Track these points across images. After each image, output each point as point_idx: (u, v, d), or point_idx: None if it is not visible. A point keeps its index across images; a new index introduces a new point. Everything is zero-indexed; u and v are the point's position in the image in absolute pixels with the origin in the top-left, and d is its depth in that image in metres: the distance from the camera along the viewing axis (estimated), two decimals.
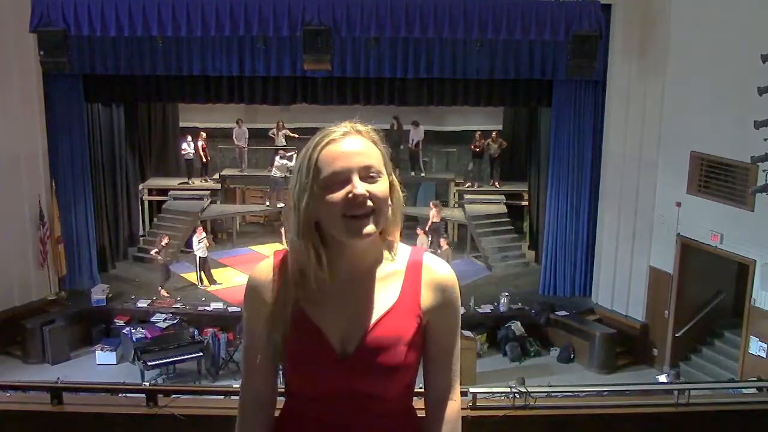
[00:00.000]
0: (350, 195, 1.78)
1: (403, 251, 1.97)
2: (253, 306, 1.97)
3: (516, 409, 4.66)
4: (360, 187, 1.79)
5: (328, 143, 1.83)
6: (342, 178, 1.80)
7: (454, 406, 1.99)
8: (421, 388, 2.04)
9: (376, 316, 1.89)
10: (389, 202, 1.86)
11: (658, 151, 13.81)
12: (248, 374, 2.03)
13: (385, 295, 1.91)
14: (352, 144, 1.83)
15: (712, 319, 13.92)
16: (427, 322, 1.93)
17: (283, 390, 2.03)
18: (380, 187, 1.83)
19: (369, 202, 1.79)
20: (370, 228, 1.81)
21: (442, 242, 15.99)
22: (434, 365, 1.98)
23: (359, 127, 1.88)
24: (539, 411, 4.72)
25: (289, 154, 18.32)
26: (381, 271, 1.93)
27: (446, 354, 1.97)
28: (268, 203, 19.15)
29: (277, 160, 18.38)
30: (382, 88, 15.70)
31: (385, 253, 1.94)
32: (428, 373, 1.99)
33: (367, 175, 1.81)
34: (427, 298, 1.93)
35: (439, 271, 1.96)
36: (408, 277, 1.93)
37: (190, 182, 19.05)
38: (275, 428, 2.04)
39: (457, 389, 2.00)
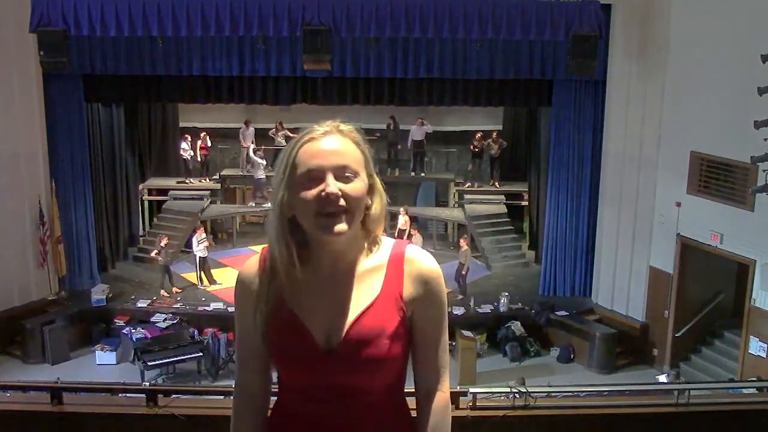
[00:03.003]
0: (323, 193, 1.80)
1: (386, 244, 1.98)
2: (242, 301, 2.00)
3: (516, 409, 4.67)
4: (333, 186, 1.81)
5: (307, 141, 1.86)
6: (316, 176, 1.82)
7: (443, 396, 2.01)
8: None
9: (359, 309, 1.90)
10: (366, 201, 1.88)
11: (658, 151, 13.81)
12: (241, 369, 2.07)
13: (368, 289, 1.92)
14: (330, 143, 1.85)
15: (712, 319, 13.92)
16: (411, 314, 1.94)
17: (276, 386, 2.06)
18: (355, 187, 1.84)
19: (342, 201, 1.81)
20: (341, 226, 1.82)
21: (462, 242, 15.98)
22: (421, 357, 1.99)
23: (342, 126, 1.90)
24: (539, 411, 4.72)
25: (260, 153, 18.40)
26: (364, 265, 1.94)
27: (432, 346, 1.99)
28: (253, 204, 19.05)
29: (258, 161, 18.33)
30: (382, 88, 15.71)
31: (368, 248, 1.95)
32: (416, 365, 2.01)
33: (343, 174, 1.83)
34: (409, 290, 1.94)
35: (422, 263, 1.97)
36: (390, 269, 1.95)
37: (188, 182, 19.05)
38: (268, 423, 2.06)
39: (445, 380, 2.02)
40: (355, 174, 1.85)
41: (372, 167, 1.92)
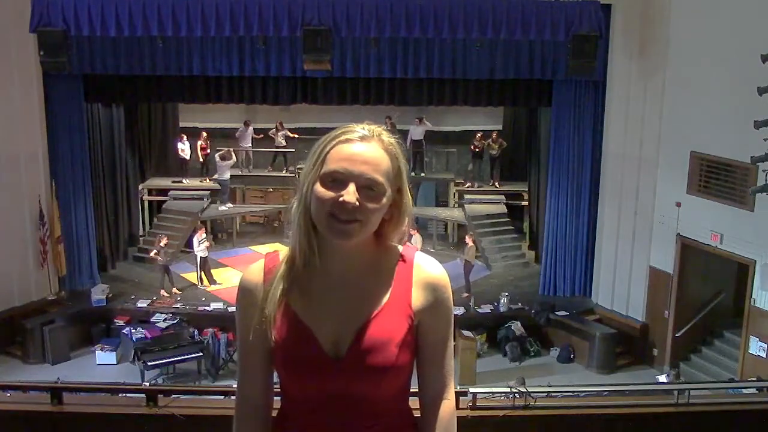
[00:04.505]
0: (340, 199, 1.76)
1: (395, 251, 1.95)
2: (244, 308, 1.96)
3: (516, 409, 4.67)
4: (352, 196, 1.76)
5: (343, 141, 1.81)
6: (340, 179, 1.78)
7: (449, 405, 1.99)
8: (416, 389, 2.03)
9: (367, 317, 1.87)
10: (384, 214, 1.84)
11: (658, 151, 13.81)
12: (243, 376, 2.03)
13: (377, 296, 1.89)
14: (365, 150, 1.80)
15: (712, 319, 13.91)
16: (419, 321, 1.91)
17: (278, 391, 2.02)
18: (374, 203, 1.79)
19: (357, 214, 1.77)
20: (350, 234, 1.79)
21: (467, 239, 16.02)
22: (427, 365, 1.97)
23: (383, 135, 1.84)
24: (539, 411, 4.73)
25: (223, 154, 18.16)
26: (373, 272, 1.91)
27: (439, 354, 1.96)
28: (226, 206, 18.73)
29: (220, 163, 18.18)
30: (382, 88, 15.70)
31: (378, 254, 1.92)
32: (422, 372, 1.98)
33: (368, 186, 1.78)
34: (417, 298, 1.91)
35: (430, 270, 1.94)
36: (399, 276, 1.92)
37: (184, 182, 19.01)
38: (272, 429, 2.04)
39: (451, 388, 2.00)
40: (381, 189, 1.80)
41: (404, 182, 1.87)
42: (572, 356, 14.54)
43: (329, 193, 1.78)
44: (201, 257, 15.95)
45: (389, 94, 15.80)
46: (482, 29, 13.51)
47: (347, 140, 1.81)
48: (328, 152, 1.81)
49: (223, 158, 18.15)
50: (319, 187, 1.79)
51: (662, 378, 12.93)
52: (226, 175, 18.28)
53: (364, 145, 1.81)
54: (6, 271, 14.06)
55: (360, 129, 1.83)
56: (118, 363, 13.85)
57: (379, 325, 1.87)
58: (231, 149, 18.63)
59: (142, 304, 15.04)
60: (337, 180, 1.78)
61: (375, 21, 13.44)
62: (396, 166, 1.84)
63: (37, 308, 14.55)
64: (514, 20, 13.43)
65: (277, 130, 19.31)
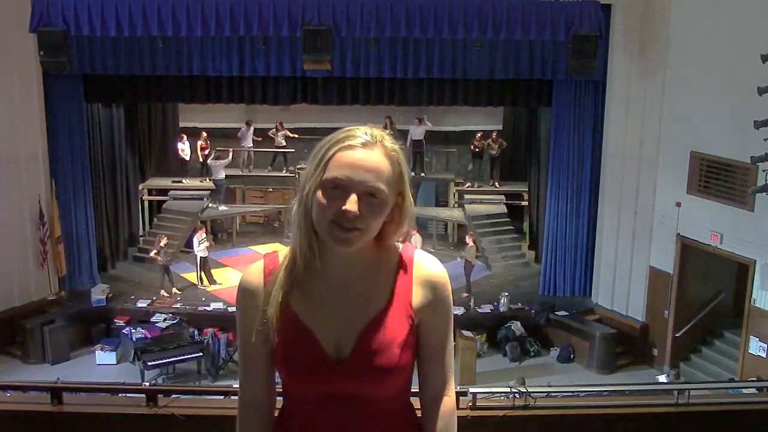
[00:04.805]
0: (342, 209, 1.75)
1: (394, 250, 1.95)
2: (245, 309, 1.95)
3: (516, 409, 4.67)
4: (354, 205, 1.75)
5: (345, 147, 1.79)
6: (341, 186, 1.76)
7: (449, 401, 2.00)
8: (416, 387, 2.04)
9: (368, 318, 1.87)
10: (385, 218, 1.83)
11: (658, 151, 13.81)
12: (244, 378, 2.03)
13: (377, 297, 1.89)
14: (367, 158, 1.78)
15: (712, 319, 13.91)
16: (419, 320, 1.92)
17: (280, 391, 2.03)
18: (375, 211, 1.78)
19: (358, 223, 1.76)
20: (351, 241, 1.78)
21: (467, 239, 16.02)
22: (428, 363, 1.97)
23: (386, 141, 1.82)
24: (539, 411, 4.73)
25: (217, 155, 18.16)
26: (373, 272, 1.91)
27: (439, 352, 1.97)
28: (222, 207, 18.71)
29: (214, 163, 18.15)
30: (382, 88, 15.70)
31: (378, 254, 1.92)
32: (422, 370, 1.99)
33: (370, 194, 1.77)
34: (418, 297, 1.91)
35: (430, 268, 1.94)
36: (399, 276, 1.92)
37: (184, 182, 19.00)
38: (274, 429, 2.04)
39: (451, 385, 2.01)
40: (382, 196, 1.78)
41: (406, 186, 1.86)
42: (572, 356, 14.54)
43: (330, 200, 1.77)
44: (201, 257, 15.95)
45: (389, 94, 15.80)
46: (482, 29, 13.51)
47: (349, 146, 1.79)
48: (330, 157, 1.79)
49: (217, 158, 18.18)
50: (320, 194, 1.78)
51: (662, 378, 12.94)
52: (221, 175, 18.29)
53: (367, 152, 1.79)
54: (6, 271, 14.06)
55: (362, 134, 1.81)
56: (118, 363, 13.86)
57: (381, 327, 1.87)
58: (229, 149, 18.64)
59: (142, 304, 15.04)
60: (338, 187, 1.77)
61: (375, 21, 13.44)
62: (398, 171, 1.83)
63: (37, 308, 14.55)
64: (514, 20, 13.43)
65: (277, 130, 19.31)
